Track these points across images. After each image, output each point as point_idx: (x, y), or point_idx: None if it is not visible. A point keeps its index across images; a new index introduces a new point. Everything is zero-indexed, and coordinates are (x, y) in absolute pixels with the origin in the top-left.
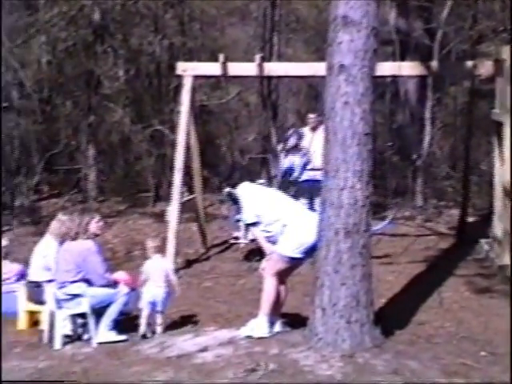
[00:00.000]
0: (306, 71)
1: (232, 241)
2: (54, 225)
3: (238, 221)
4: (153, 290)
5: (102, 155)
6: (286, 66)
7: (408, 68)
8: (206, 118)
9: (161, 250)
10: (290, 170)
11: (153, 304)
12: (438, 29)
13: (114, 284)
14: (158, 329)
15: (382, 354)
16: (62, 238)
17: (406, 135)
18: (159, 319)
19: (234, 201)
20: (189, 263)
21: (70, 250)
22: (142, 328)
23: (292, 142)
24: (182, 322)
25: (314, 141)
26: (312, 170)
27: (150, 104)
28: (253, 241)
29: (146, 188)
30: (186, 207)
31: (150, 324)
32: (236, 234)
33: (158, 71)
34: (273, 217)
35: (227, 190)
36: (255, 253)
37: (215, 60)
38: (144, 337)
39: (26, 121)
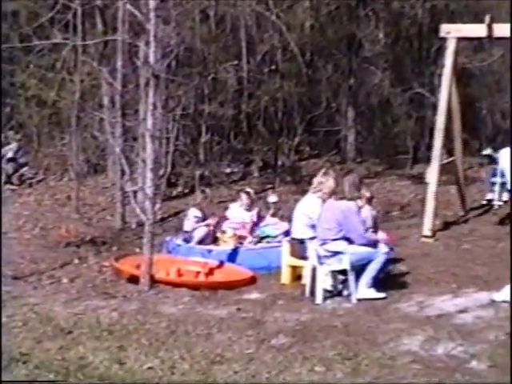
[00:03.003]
0: None
1: (484, 202)
2: (322, 183)
3: (494, 183)
4: None
5: (361, 117)
6: None
7: None
8: (467, 80)
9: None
10: None
11: None
12: None
13: (374, 243)
14: None
15: None
16: (328, 197)
17: None
18: None
19: (493, 162)
20: (447, 225)
21: (332, 209)
22: None
23: None
24: (440, 283)
25: None
26: None
27: (410, 67)
28: (506, 202)
29: (404, 150)
30: (445, 170)
31: None
32: (490, 196)
33: (420, 34)
34: None
35: (487, 151)
36: None
37: (478, 22)
38: None
39: (289, 83)
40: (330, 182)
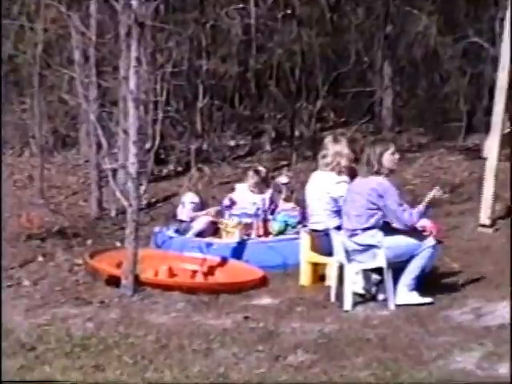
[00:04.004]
0: None
1: None
2: (340, 154)
3: None
4: None
5: (401, 75)
6: None
7: None
8: None
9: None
10: None
11: None
12: None
13: (416, 232)
14: None
15: None
16: (348, 171)
17: None
18: None
19: None
20: (510, 211)
21: (360, 189)
22: None
23: None
24: (502, 284)
25: None
26: None
27: (463, 9)
28: None
29: (456, 116)
30: (508, 141)
31: None
32: None
33: None
34: None
35: None
36: None
37: None
38: None
39: (309, 32)
40: (346, 151)
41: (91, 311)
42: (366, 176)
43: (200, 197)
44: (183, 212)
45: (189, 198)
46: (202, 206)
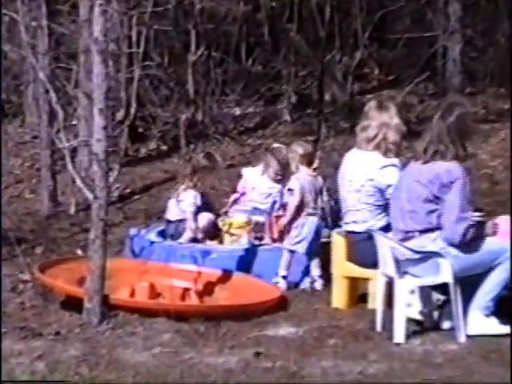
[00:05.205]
0: None
1: None
2: (387, 125)
3: None
4: None
5: (474, 14)
6: None
7: None
8: None
9: None
10: None
11: None
12: None
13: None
14: None
15: None
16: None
17: None
18: None
19: None
20: None
21: (419, 175)
22: None
23: None
24: None
25: None
26: None
27: None
28: None
29: None
30: None
31: None
32: None
33: None
34: None
35: None
36: None
37: None
38: None
39: None
40: (396, 121)
41: (42, 346)
42: (428, 160)
43: (203, 196)
44: (175, 211)
45: (189, 198)
46: (202, 206)
